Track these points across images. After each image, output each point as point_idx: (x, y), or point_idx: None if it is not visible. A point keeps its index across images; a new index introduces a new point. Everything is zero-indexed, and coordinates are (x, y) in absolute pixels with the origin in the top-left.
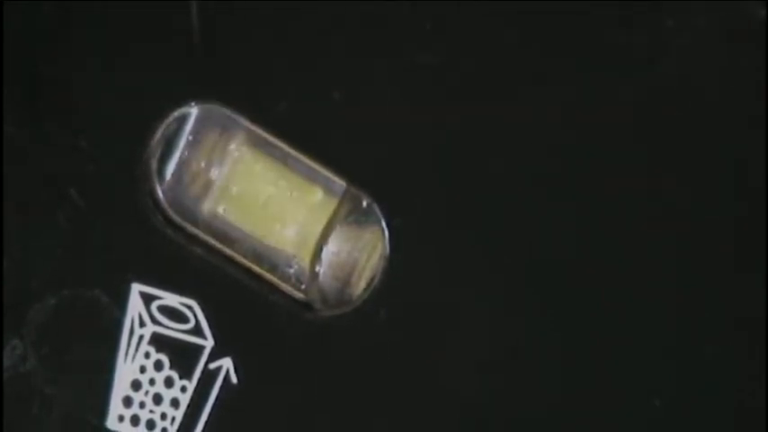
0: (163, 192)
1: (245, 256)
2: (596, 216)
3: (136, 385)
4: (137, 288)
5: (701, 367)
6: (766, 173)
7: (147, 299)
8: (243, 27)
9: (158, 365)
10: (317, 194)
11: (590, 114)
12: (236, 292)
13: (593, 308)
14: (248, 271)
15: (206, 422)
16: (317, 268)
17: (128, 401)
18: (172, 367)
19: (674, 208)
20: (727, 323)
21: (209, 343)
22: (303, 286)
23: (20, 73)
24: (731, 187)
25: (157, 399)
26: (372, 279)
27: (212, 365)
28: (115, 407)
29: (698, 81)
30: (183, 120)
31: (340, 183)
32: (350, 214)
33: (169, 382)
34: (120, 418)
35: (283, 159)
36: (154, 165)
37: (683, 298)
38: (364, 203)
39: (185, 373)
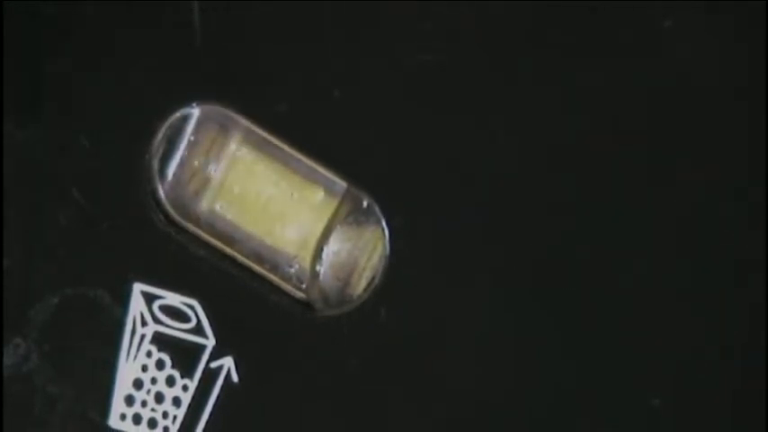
0: (164, 192)
1: (246, 256)
2: (597, 216)
3: (138, 384)
4: (138, 287)
5: (701, 367)
6: (766, 172)
7: (149, 298)
8: (244, 28)
9: (160, 364)
10: (318, 195)
11: (590, 114)
12: (238, 291)
13: (593, 308)
14: (249, 271)
15: (207, 421)
16: (318, 268)
17: (130, 400)
18: (173, 366)
19: (674, 208)
20: (727, 323)
21: (210, 342)
22: (304, 286)
23: (22, 73)
24: (731, 187)
25: (159, 397)
26: (373, 279)
27: (214, 364)
28: (117, 405)
29: (696, 82)
30: (184, 120)
31: (340, 183)
32: (350, 214)
33: (171, 381)
34: (122, 417)
35: (284, 160)
36: (155, 165)
37: (683, 298)
38: (365, 203)
39: (187, 372)
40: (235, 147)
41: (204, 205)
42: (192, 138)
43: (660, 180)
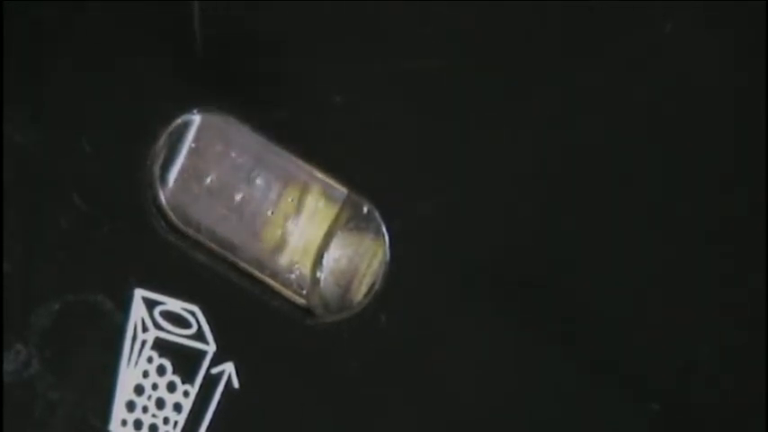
0: (166, 198)
1: (247, 263)
2: (596, 219)
3: (139, 390)
4: (140, 293)
5: (700, 370)
6: (766, 173)
7: (150, 304)
8: (245, 35)
9: (161, 370)
10: (318, 201)
11: (591, 118)
12: (238, 297)
13: (593, 311)
14: (250, 277)
15: (208, 426)
16: (319, 274)
17: (131, 406)
18: (174, 372)
19: (674, 209)
20: (727, 324)
21: (211, 348)
22: (304, 292)
23: (23, 76)
24: (731, 187)
25: (160, 403)
26: (373, 285)
27: (214, 370)
28: (118, 411)
29: (697, 85)
30: (185, 127)
31: (341, 189)
32: (351, 221)
33: (172, 387)
34: (123, 423)
35: (285, 166)
36: (157, 171)
37: (682, 300)
38: (365, 210)
39: (188, 378)
40: (235, 153)
41: (205, 212)
42: (194, 144)
43: (660, 182)
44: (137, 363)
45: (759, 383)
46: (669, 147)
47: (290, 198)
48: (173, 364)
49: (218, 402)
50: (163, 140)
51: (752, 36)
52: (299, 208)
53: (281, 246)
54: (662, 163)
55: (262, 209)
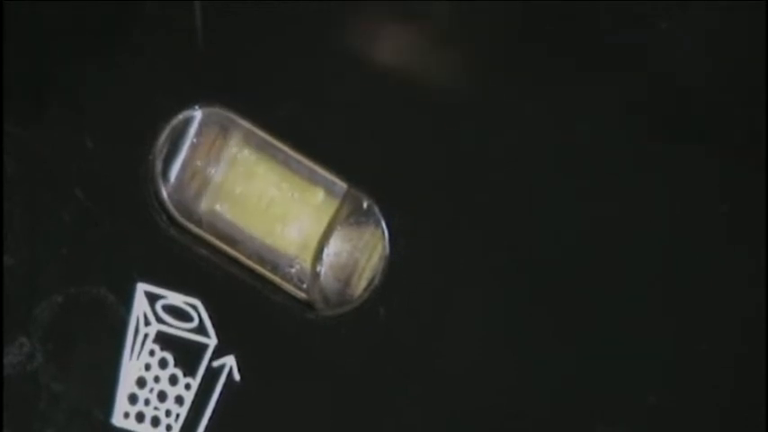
0: (167, 193)
1: (247, 257)
2: (594, 215)
3: (141, 383)
4: (142, 287)
5: (697, 364)
6: (766, 172)
7: (152, 298)
8: (246, 31)
9: (163, 363)
10: (319, 196)
11: (588, 115)
12: (239, 291)
13: (590, 306)
14: (251, 271)
15: (209, 419)
16: (319, 268)
17: (133, 398)
18: (176, 365)
19: (673, 207)
20: (724, 319)
21: (212, 341)
22: (305, 286)
23: (27, 74)
24: (730, 187)
25: (162, 396)
26: (372, 279)
27: (216, 363)
28: (120, 404)
29: (694, 83)
30: (187, 122)
31: (341, 184)
32: (351, 215)
33: (173, 380)
34: (126, 415)
35: (285, 161)
36: (159, 166)
37: (680, 294)
38: (365, 204)
39: (189, 371)
40: (236, 149)
41: (206, 206)
42: (195, 140)
43: (660, 181)
44: (139, 356)
45: (758, 381)
46: (667, 147)
47: (291, 193)
48: (174, 358)
49: (220, 395)
50: (165, 136)
51: (752, 35)
52: (299, 202)
53: (281, 240)
54: (660, 165)
55: (262, 204)
